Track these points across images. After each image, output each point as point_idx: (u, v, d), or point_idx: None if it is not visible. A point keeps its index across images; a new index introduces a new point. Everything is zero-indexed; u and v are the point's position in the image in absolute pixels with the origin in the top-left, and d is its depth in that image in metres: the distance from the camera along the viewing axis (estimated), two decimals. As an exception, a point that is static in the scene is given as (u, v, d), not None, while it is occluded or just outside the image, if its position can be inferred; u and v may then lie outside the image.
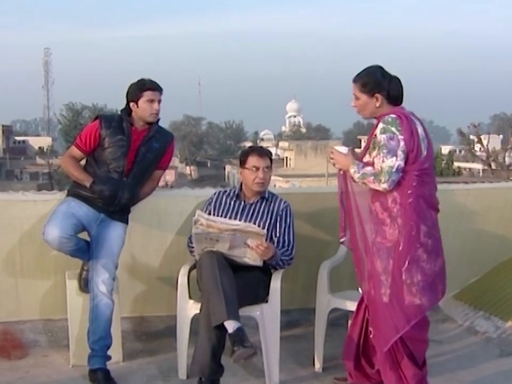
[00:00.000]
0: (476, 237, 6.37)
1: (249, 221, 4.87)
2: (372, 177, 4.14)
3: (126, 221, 4.99)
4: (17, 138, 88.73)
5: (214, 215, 4.94)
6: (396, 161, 4.08)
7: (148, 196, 5.11)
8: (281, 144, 79.71)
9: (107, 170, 4.84)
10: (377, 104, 4.28)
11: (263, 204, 5.01)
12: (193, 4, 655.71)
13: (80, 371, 4.89)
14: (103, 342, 4.80)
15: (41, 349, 5.39)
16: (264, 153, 5.01)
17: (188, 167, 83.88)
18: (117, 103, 4.73)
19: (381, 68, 4.36)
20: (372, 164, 4.19)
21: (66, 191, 5.08)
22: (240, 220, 4.85)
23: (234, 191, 5.10)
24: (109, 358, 4.84)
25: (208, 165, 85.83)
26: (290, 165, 66.03)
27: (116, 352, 4.98)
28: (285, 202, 5.04)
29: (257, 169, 4.93)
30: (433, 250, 4.27)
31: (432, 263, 4.26)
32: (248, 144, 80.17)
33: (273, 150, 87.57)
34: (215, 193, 5.17)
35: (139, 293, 5.78)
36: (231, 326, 4.29)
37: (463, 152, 64.85)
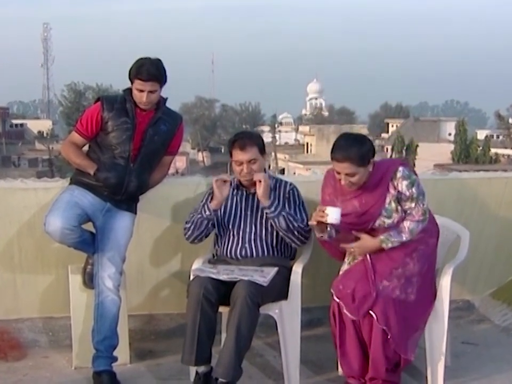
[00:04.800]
0: (516, 229, 6.33)
1: (257, 212, 4.92)
2: (420, 225, 4.54)
3: (134, 211, 5.01)
4: (15, 121, 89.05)
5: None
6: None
7: (158, 184, 5.14)
8: (301, 128, 79.73)
9: (112, 156, 4.84)
10: (370, 168, 4.47)
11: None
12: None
13: (84, 373, 4.93)
14: (108, 342, 4.82)
15: (41, 349, 5.44)
16: (246, 144, 4.85)
17: (200, 153, 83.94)
18: (123, 83, 4.71)
19: (351, 134, 4.59)
20: (403, 219, 4.53)
21: (69, 179, 5.09)
22: (247, 211, 4.95)
23: (234, 182, 5.03)
24: (115, 359, 4.86)
25: (222, 150, 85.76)
26: (311, 151, 65.95)
27: (122, 353, 5.01)
28: (290, 185, 5.03)
29: (241, 163, 4.87)
30: None
31: None
32: (265, 128, 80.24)
33: (292, 135, 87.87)
34: None
35: (148, 289, 5.80)
36: (200, 369, 4.57)
37: (501, 137, 64.40)
